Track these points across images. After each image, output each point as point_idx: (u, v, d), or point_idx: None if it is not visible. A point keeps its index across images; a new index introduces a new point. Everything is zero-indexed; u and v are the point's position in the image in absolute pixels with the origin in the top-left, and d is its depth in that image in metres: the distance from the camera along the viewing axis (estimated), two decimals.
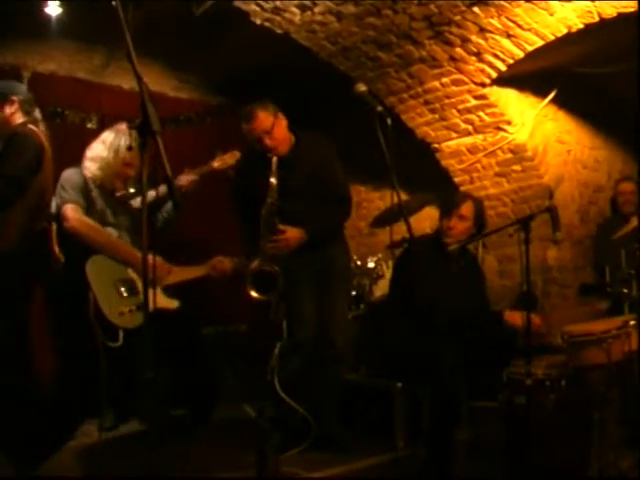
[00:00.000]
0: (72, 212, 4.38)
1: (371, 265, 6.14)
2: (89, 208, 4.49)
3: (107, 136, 4.70)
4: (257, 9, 5.59)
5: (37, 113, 4.36)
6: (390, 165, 3.79)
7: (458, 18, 5.46)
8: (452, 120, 6.51)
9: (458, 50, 5.82)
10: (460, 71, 6.04)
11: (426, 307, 4.62)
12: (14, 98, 4.24)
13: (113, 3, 2.86)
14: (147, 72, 6.00)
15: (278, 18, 5.70)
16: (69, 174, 4.57)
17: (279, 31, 5.86)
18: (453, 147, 6.73)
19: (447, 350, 4.46)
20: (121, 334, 4.20)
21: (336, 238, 5.00)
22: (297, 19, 5.71)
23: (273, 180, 4.62)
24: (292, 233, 4.66)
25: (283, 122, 4.82)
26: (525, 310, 4.38)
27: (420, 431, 4.57)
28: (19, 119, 4.24)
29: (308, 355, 4.74)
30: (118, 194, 4.77)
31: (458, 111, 6.40)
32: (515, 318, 4.72)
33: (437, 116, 6.53)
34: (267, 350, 4.84)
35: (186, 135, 7.19)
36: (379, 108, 3.86)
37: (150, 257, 3.72)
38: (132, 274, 4.47)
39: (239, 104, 7.37)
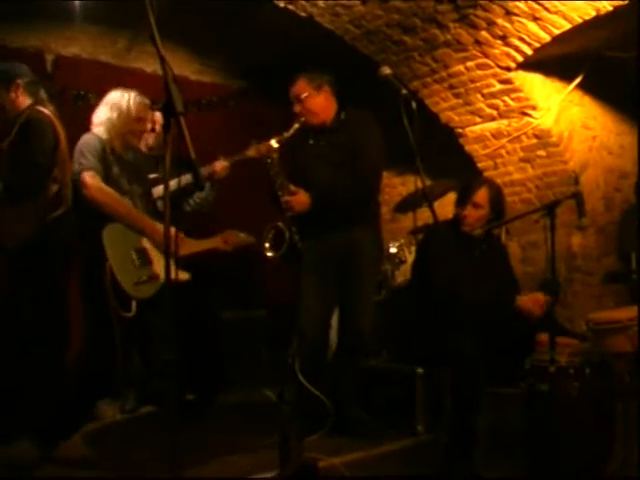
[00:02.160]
0: (91, 179, 4.17)
1: (393, 250, 6.10)
2: (106, 175, 4.28)
3: (109, 97, 4.46)
4: None
5: (42, 93, 4.40)
6: (415, 149, 3.76)
7: (484, 1, 5.42)
8: (476, 105, 6.48)
9: (483, 33, 5.77)
10: (485, 55, 5.99)
11: (447, 292, 4.59)
12: (19, 81, 4.27)
13: None
14: (170, 56, 5.72)
15: (302, 1, 5.69)
16: (88, 138, 4.33)
17: (302, 14, 5.85)
18: (477, 132, 6.70)
19: (468, 335, 4.44)
20: (134, 305, 4.06)
21: (361, 222, 4.90)
22: (321, 2, 5.70)
23: (274, 142, 4.74)
24: (300, 197, 4.69)
25: (323, 96, 4.87)
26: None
27: (441, 416, 4.56)
28: (26, 102, 4.29)
29: (310, 344, 4.77)
30: (152, 176, 4.72)
31: (483, 95, 6.37)
32: (524, 302, 4.68)
33: (461, 101, 6.51)
34: (287, 335, 4.91)
35: (208, 118, 7.20)
36: (404, 91, 3.83)
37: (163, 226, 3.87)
38: (146, 244, 4.29)
39: (260, 88, 7.52)
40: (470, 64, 6.14)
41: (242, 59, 7.29)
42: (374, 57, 6.35)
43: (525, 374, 4.37)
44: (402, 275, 5.97)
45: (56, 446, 3.94)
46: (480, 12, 5.56)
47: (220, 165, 5.23)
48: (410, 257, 5.96)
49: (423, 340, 4.74)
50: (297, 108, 4.82)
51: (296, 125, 4.75)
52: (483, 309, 4.57)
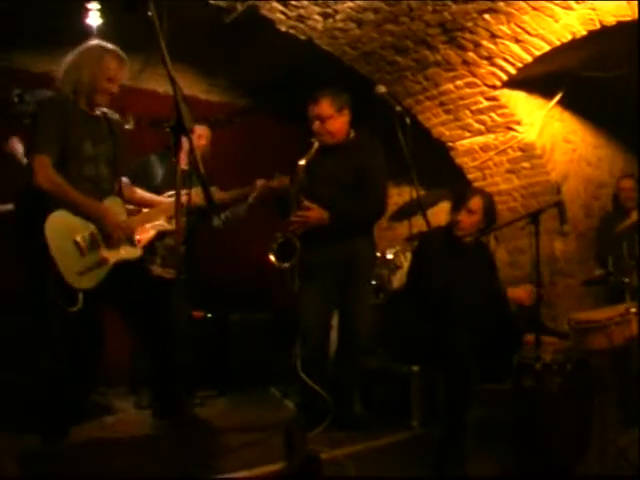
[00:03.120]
0: (39, 166, 3.75)
1: (390, 257, 6.14)
2: (66, 139, 3.83)
3: (83, 49, 4.04)
4: (282, 17, 5.64)
5: None
6: (409, 162, 3.79)
7: (470, 24, 5.51)
8: (465, 120, 6.55)
9: (471, 54, 5.86)
10: (473, 74, 6.08)
11: (440, 295, 4.63)
12: None
13: (149, 14, 2.95)
14: (179, 77, 5.73)
15: (302, 25, 5.75)
16: (48, 101, 3.98)
17: (303, 37, 5.91)
18: (467, 146, 6.77)
19: (460, 335, 4.48)
20: (80, 297, 3.69)
21: (363, 234, 4.92)
22: (320, 26, 5.76)
23: (302, 162, 4.64)
24: (314, 212, 4.64)
25: (343, 118, 4.78)
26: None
27: (435, 412, 4.60)
28: None
29: (311, 345, 4.74)
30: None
31: (471, 112, 6.44)
32: (517, 292, 4.73)
33: (451, 117, 6.57)
34: (291, 336, 4.88)
35: (216, 135, 7.23)
36: (398, 108, 3.88)
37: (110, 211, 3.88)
38: (92, 228, 3.88)
39: (264, 105, 7.56)
40: (459, 83, 6.21)
41: (247, 79, 7.32)
42: (370, 76, 6.39)
43: (513, 371, 4.41)
44: (398, 280, 6.01)
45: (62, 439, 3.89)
46: (467, 35, 5.64)
47: (260, 183, 5.22)
48: (406, 263, 5.99)
49: (418, 340, 4.77)
50: (316, 126, 4.73)
51: (316, 145, 4.66)
52: (473, 311, 4.62)
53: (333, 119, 4.72)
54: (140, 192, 4.63)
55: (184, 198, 4.05)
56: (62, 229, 3.75)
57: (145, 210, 4.52)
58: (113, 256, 3.90)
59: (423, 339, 4.69)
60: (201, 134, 5.57)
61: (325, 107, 4.71)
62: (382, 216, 5.05)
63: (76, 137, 3.86)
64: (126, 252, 4.01)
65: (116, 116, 4.23)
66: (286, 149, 5.93)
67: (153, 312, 3.96)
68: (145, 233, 4.87)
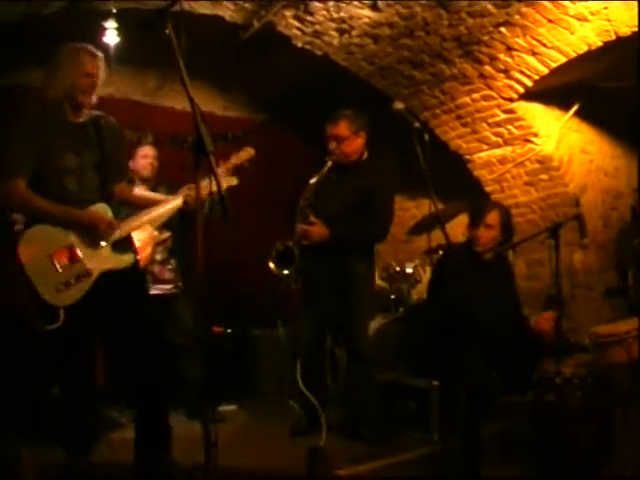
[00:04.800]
0: (11, 190, 3.57)
1: (409, 271, 6.13)
2: (45, 150, 3.63)
3: (56, 55, 3.85)
4: (298, 33, 5.67)
5: None
6: (428, 178, 3.79)
7: (486, 38, 5.49)
8: (483, 133, 6.51)
9: (487, 68, 5.83)
10: (489, 87, 6.04)
11: (460, 310, 4.60)
12: None
13: (167, 32, 2.99)
14: (197, 93, 5.77)
15: (318, 41, 5.78)
16: (21, 117, 3.75)
17: (319, 53, 5.94)
18: (484, 158, 6.73)
19: (479, 350, 4.46)
20: (62, 313, 3.48)
21: (362, 253, 4.99)
22: (336, 42, 5.78)
23: (313, 180, 4.74)
24: (317, 227, 4.73)
25: (359, 140, 4.89)
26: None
27: (455, 426, 4.56)
28: None
29: (307, 354, 4.89)
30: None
31: (488, 125, 6.40)
32: (540, 324, 4.69)
33: (469, 129, 6.54)
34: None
35: (234, 150, 7.24)
36: (416, 124, 3.87)
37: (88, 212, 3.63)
38: (73, 239, 3.63)
39: (281, 120, 7.57)
40: (476, 96, 6.18)
41: (264, 94, 7.36)
42: (387, 91, 6.40)
43: (533, 384, 4.38)
44: (418, 293, 6.00)
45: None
46: (483, 48, 5.62)
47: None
48: (425, 276, 6.00)
49: (437, 355, 4.75)
50: (332, 146, 4.83)
51: (329, 164, 4.77)
52: (493, 325, 4.60)
53: (349, 140, 4.84)
54: (139, 191, 4.40)
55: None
56: (38, 244, 3.57)
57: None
58: (98, 267, 3.62)
59: (442, 353, 4.67)
60: (146, 154, 5.59)
61: (343, 128, 4.84)
62: (384, 239, 5.14)
63: (56, 150, 3.67)
64: (114, 261, 3.70)
65: (110, 119, 3.97)
66: (303, 164, 6.00)
67: (139, 331, 3.71)
68: (143, 251, 4.82)
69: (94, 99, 3.82)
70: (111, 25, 5.64)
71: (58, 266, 3.55)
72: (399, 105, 4.00)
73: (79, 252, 3.61)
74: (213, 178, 2.86)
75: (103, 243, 3.66)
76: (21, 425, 4.42)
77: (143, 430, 3.76)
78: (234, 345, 6.45)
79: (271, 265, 4.77)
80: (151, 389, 3.74)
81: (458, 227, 6.89)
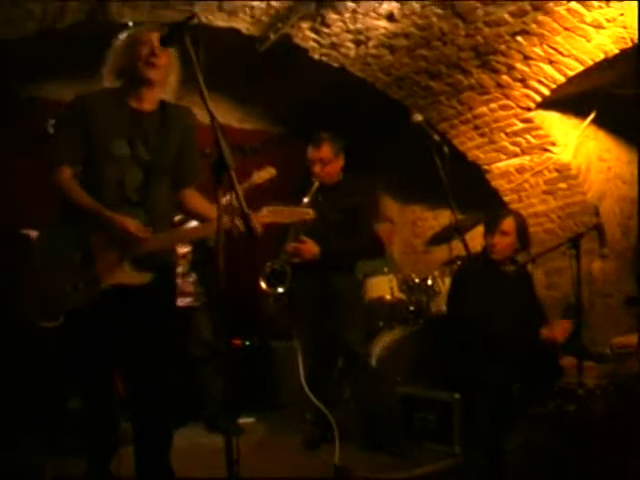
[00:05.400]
0: (55, 177, 3.37)
1: (429, 282, 6.10)
2: (90, 142, 3.36)
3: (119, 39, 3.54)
4: (315, 45, 5.70)
5: None
6: (448, 191, 3.77)
7: (503, 47, 5.49)
8: (500, 143, 6.49)
9: (504, 77, 5.82)
10: (506, 97, 6.03)
11: (478, 321, 4.59)
12: None
13: (186, 46, 2.92)
14: (214, 106, 5.80)
15: (334, 53, 5.81)
16: (69, 104, 3.50)
17: (336, 65, 5.96)
18: (502, 168, 6.71)
19: (499, 362, 4.43)
20: (62, 317, 3.30)
21: (345, 269, 5.12)
22: (352, 53, 5.80)
23: (306, 199, 4.79)
24: (308, 246, 4.81)
25: (340, 162, 5.04)
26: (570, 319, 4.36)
27: (476, 439, 4.53)
28: None
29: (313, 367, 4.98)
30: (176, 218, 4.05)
31: (506, 134, 6.39)
32: (552, 332, 4.65)
33: (486, 140, 6.53)
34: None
35: (251, 163, 7.25)
36: (436, 137, 3.86)
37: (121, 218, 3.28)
38: (94, 243, 3.35)
39: (297, 132, 7.56)
40: (493, 105, 6.17)
41: (281, 106, 7.38)
42: (404, 101, 6.42)
43: (554, 395, 4.35)
44: (437, 305, 5.95)
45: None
46: (500, 58, 5.62)
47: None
48: (444, 288, 5.94)
49: (458, 367, 4.73)
50: (317, 169, 4.96)
51: (317, 184, 4.87)
52: (512, 336, 4.56)
53: (332, 162, 4.99)
54: (200, 199, 3.73)
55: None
56: (53, 241, 3.39)
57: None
58: (109, 278, 3.35)
59: (463, 365, 4.64)
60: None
61: (326, 151, 4.98)
62: (374, 255, 5.41)
63: (103, 135, 3.36)
64: (129, 277, 3.39)
65: (186, 111, 3.60)
66: None
67: (148, 361, 3.43)
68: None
69: (166, 90, 3.49)
70: None
71: (70, 267, 3.34)
72: (418, 117, 3.98)
73: (96, 258, 3.36)
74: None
75: (124, 255, 3.41)
76: (40, 434, 4.43)
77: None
78: (252, 357, 6.43)
79: (263, 285, 4.85)
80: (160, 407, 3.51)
81: (477, 238, 6.87)
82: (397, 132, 6.75)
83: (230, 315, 5.07)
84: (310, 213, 3.77)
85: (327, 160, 4.97)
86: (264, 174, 5.19)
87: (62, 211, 3.43)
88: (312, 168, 4.99)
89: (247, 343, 6.43)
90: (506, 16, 5.15)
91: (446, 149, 3.80)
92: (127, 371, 3.62)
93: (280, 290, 4.81)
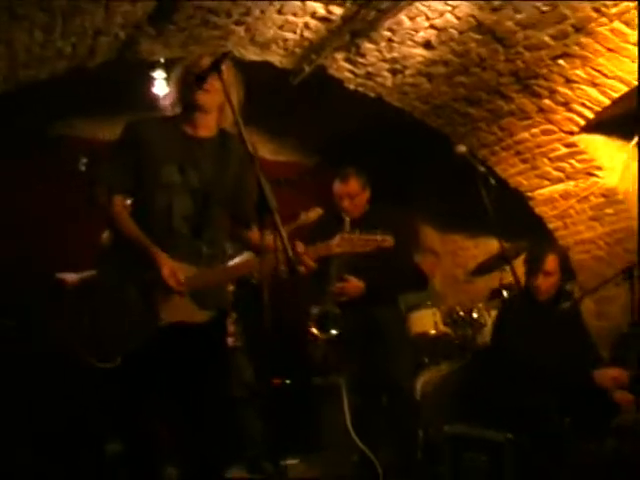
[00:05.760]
0: (109, 207, 3.30)
1: (475, 315, 6.00)
2: (140, 169, 3.28)
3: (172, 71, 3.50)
4: (350, 75, 5.71)
5: None
6: (494, 223, 3.72)
7: (544, 71, 5.41)
8: (543, 169, 6.38)
9: (546, 101, 5.73)
10: (549, 121, 5.93)
11: (525, 357, 4.51)
12: None
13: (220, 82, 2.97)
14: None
15: (370, 83, 5.80)
16: (122, 131, 3.39)
17: (372, 95, 5.96)
18: (546, 194, 6.59)
19: (550, 399, 4.31)
20: (119, 358, 3.22)
21: (389, 302, 5.14)
22: (389, 82, 5.79)
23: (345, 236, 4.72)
24: (354, 283, 4.85)
25: (366, 194, 5.09)
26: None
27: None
28: None
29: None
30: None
31: (549, 160, 6.28)
32: (604, 379, 4.50)
33: (529, 166, 6.43)
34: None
35: (285, 195, 7.22)
36: (481, 169, 3.83)
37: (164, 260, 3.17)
38: (149, 278, 3.22)
39: (334, 164, 7.52)
40: (535, 131, 6.07)
41: (315, 138, 7.36)
42: (442, 130, 6.38)
43: (611, 432, 4.22)
44: (483, 338, 5.85)
45: None
46: (542, 82, 5.53)
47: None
48: (490, 320, 5.85)
49: (506, 405, 4.61)
50: (346, 203, 4.98)
51: (348, 219, 4.84)
52: (561, 372, 4.44)
53: (359, 196, 5.04)
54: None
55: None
56: (109, 279, 3.29)
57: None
58: (169, 315, 3.24)
59: (511, 403, 4.53)
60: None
61: (354, 185, 5.03)
62: (412, 289, 5.53)
63: (153, 161, 3.27)
64: (191, 314, 3.29)
65: (244, 138, 3.03)
66: None
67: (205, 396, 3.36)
68: None
69: (225, 116, 3.35)
70: (159, 75, 5.66)
71: (128, 306, 3.23)
72: (462, 148, 3.99)
73: (154, 294, 3.23)
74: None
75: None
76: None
77: None
78: (293, 396, 6.34)
79: (314, 330, 4.89)
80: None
81: (521, 267, 6.79)
82: (435, 160, 6.71)
83: (272, 354, 5.14)
84: (388, 240, 3.58)
85: (355, 194, 5.00)
86: (312, 215, 5.24)
87: (116, 245, 3.40)
88: (340, 203, 5.01)
89: (287, 382, 6.33)
90: (546, 39, 5.07)
91: (493, 181, 3.75)
92: (175, 412, 3.52)
93: (334, 332, 4.85)
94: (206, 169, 3.32)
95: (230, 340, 5.44)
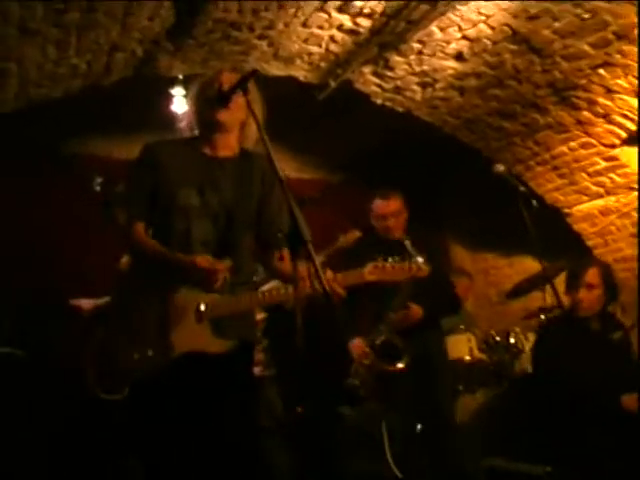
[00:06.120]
0: (131, 235, 3.17)
1: (512, 340, 5.82)
2: (158, 191, 3.15)
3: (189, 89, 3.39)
4: (377, 90, 5.63)
5: None
6: (536, 244, 3.76)
7: (583, 82, 5.29)
8: (582, 184, 6.26)
9: (585, 113, 5.60)
10: (588, 134, 5.80)
11: (568, 384, 4.32)
12: None
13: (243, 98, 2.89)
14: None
15: (399, 97, 5.73)
16: (140, 152, 3.27)
17: (400, 109, 5.87)
18: (585, 211, 6.46)
19: (598, 430, 4.11)
20: (127, 389, 3.07)
21: (436, 326, 5.07)
22: (418, 96, 5.71)
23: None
24: (416, 310, 4.71)
25: (406, 212, 4.97)
26: None
27: None
28: None
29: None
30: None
31: (588, 174, 6.15)
32: (628, 403, 4.25)
33: (566, 181, 6.31)
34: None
35: (309, 214, 7.06)
36: (522, 188, 3.73)
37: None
38: (178, 302, 3.08)
39: (359, 181, 7.41)
40: (573, 144, 5.96)
41: (339, 153, 7.23)
42: (474, 145, 6.30)
43: None
44: (521, 365, 5.67)
45: None
46: (581, 93, 5.41)
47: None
48: (527, 345, 5.68)
49: (548, 435, 4.42)
50: (391, 222, 4.86)
51: (407, 242, 4.68)
52: (609, 400, 4.23)
53: (402, 215, 4.94)
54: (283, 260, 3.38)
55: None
56: (124, 306, 3.15)
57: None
58: (185, 344, 3.06)
59: (551, 434, 4.34)
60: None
61: (398, 203, 4.94)
62: (448, 313, 5.31)
63: (170, 183, 3.14)
64: (209, 343, 3.09)
65: (274, 164, 2.86)
66: None
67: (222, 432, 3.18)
68: None
69: (246, 134, 3.24)
70: (178, 92, 5.55)
71: (140, 334, 3.06)
72: (500, 168, 4.01)
73: (171, 322, 3.07)
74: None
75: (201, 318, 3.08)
76: None
77: None
78: (321, 425, 6.19)
79: (384, 366, 4.71)
80: None
81: (559, 288, 6.62)
82: (466, 176, 6.57)
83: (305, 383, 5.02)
84: (424, 269, 3.35)
85: (398, 212, 4.89)
86: (350, 237, 5.16)
87: (135, 270, 3.27)
88: (383, 222, 4.89)
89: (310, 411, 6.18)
90: (586, 48, 4.95)
91: (535, 202, 3.65)
92: (190, 449, 3.27)
93: (400, 366, 4.67)
94: (227, 191, 3.17)
95: (258, 369, 5.27)
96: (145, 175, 3.18)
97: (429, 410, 4.80)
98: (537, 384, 4.76)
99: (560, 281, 5.61)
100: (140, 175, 3.21)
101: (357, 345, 4.80)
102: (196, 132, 3.26)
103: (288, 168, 7.14)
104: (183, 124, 3.33)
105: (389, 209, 4.88)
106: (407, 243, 4.61)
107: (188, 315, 3.06)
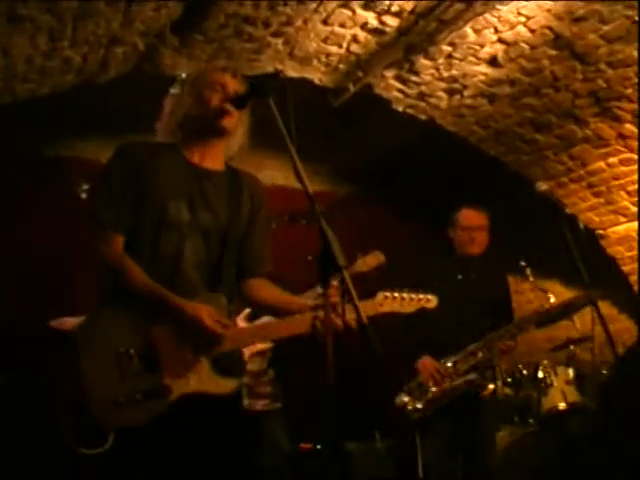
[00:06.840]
0: (103, 244, 2.80)
1: (540, 375, 5.53)
2: (142, 205, 2.80)
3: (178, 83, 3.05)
4: (399, 95, 5.47)
5: None
6: (583, 271, 3.76)
7: (629, 92, 5.14)
8: (620, 203, 6.09)
9: (627, 126, 5.45)
10: (630, 149, 5.64)
11: None
12: None
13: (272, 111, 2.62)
14: (276, 166, 5.83)
15: (422, 104, 5.57)
16: (116, 153, 2.90)
17: (423, 117, 5.72)
18: (621, 233, 6.28)
19: None
20: (111, 436, 2.65)
21: None
22: (443, 104, 5.57)
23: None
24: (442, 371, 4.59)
25: (488, 229, 4.85)
26: None
27: None
28: None
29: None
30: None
31: (627, 193, 5.98)
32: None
33: (602, 200, 6.14)
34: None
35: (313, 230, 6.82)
36: (567, 211, 3.52)
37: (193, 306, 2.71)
38: (156, 335, 2.73)
39: (369, 191, 7.15)
40: (612, 160, 5.80)
41: (349, 164, 6.98)
42: (502, 158, 6.13)
43: None
44: (550, 402, 5.35)
45: None
46: (625, 104, 5.26)
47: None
48: (556, 380, 5.36)
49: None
50: (482, 238, 4.77)
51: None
52: None
53: (486, 230, 4.81)
54: (272, 288, 3.14)
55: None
56: (101, 335, 2.73)
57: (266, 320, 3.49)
58: (184, 385, 2.71)
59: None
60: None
61: (485, 218, 4.81)
62: None
63: (159, 193, 2.82)
64: (209, 384, 2.77)
65: (256, 179, 3.08)
66: (397, 237, 6.08)
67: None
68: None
69: (229, 145, 2.99)
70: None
71: (125, 371, 2.68)
72: (543, 186, 3.94)
73: (161, 358, 2.72)
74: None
75: (198, 353, 2.75)
76: None
77: None
78: (326, 462, 5.94)
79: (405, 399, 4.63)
80: None
81: (586, 317, 6.40)
82: (488, 193, 6.35)
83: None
84: (432, 301, 3.13)
85: (484, 227, 4.78)
86: (371, 260, 4.66)
87: (111, 293, 2.81)
88: (470, 234, 4.74)
89: (318, 447, 5.90)
90: (635, 54, 4.75)
91: (582, 226, 3.44)
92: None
93: (419, 406, 4.54)
94: (219, 207, 2.90)
95: (264, 403, 5.10)
96: (126, 179, 2.81)
97: (470, 454, 4.65)
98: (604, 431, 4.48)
99: (587, 311, 5.42)
100: (121, 177, 2.82)
101: (428, 363, 4.57)
102: (178, 136, 2.93)
103: (292, 179, 6.86)
104: (160, 126, 2.98)
105: (478, 221, 4.76)
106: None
107: (181, 348, 2.71)
